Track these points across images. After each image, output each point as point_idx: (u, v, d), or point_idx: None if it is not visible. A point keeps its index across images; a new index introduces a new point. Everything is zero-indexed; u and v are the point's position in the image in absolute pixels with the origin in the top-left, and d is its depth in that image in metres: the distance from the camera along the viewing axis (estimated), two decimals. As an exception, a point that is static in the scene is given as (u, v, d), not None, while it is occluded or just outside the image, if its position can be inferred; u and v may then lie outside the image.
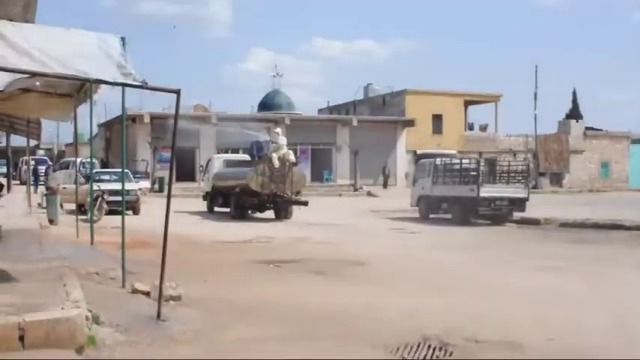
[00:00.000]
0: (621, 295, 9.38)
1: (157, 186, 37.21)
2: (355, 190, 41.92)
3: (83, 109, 11.06)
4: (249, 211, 23.08)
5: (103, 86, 7.77)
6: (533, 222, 21.33)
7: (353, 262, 12.05)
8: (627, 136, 56.63)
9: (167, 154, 35.70)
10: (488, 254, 13.82)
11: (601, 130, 55.86)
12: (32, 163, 34.10)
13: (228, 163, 25.70)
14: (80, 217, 14.64)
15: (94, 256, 10.52)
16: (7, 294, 6.53)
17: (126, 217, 9.33)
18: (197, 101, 49.57)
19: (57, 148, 63.54)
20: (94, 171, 19.09)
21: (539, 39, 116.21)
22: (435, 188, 23.29)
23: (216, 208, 24.97)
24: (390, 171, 45.46)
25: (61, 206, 19.63)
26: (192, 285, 8.62)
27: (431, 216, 23.33)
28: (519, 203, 21.86)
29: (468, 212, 21.76)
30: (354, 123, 46.45)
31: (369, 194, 40.27)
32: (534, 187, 40.38)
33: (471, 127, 54.30)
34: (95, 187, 16.71)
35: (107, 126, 48.55)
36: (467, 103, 53.59)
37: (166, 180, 33.12)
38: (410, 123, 47.86)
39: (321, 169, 45.55)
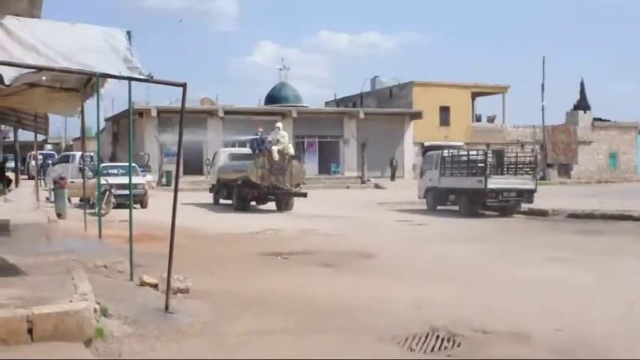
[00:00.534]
0: (630, 285, 9.33)
1: (164, 179, 37.35)
2: (362, 182, 41.91)
3: (90, 104, 11.09)
4: (252, 203, 23.43)
5: (110, 80, 7.76)
6: (541, 213, 21.25)
7: (360, 254, 12.05)
8: (635, 126, 56.38)
9: (175, 149, 35.71)
10: (495, 246, 13.77)
11: (609, 120, 55.58)
12: (40, 157, 34.22)
13: (234, 157, 26.10)
14: (88, 210, 14.70)
15: (102, 250, 10.57)
16: (16, 287, 6.56)
17: (133, 210, 9.35)
18: (204, 95, 49.79)
19: (64, 142, 63.83)
20: (102, 165, 19.14)
21: (547, 31, 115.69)
22: (443, 180, 23.25)
23: (221, 200, 25.50)
24: (398, 163, 45.32)
25: (69, 200, 19.72)
26: (200, 277, 8.65)
27: (438, 208, 23.30)
28: (527, 195, 21.76)
29: (476, 204, 21.70)
30: (361, 115, 46.36)
31: (377, 186, 40.28)
32: (542, 179, 40.26)
33: (478, 119, 54.10)
34: (103, 181, 16.79)
35: (114, 120, 48.73)
36: (474, 95, 53.38)
37: (174, 174, 33.11)
38: (417, 115, 47.74)
39: (328, 161, 45.55)
